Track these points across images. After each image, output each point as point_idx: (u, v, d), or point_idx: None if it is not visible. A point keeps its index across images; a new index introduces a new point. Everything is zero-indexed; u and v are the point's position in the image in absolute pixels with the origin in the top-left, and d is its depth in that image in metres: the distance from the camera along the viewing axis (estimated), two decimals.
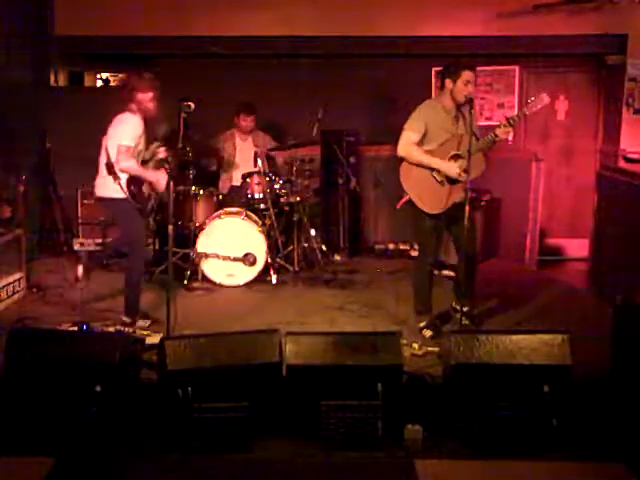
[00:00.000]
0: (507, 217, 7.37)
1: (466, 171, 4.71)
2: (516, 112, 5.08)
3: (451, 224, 5.04)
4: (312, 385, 3.93)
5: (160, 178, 5.12)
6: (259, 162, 6.50)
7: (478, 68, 5.02)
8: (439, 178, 4.93)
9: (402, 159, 5.00)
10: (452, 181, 4.91)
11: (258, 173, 6.53)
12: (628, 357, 4.09)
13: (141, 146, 5.13)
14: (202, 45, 7.41)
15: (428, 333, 5.05)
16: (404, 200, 5.03)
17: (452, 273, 5.79)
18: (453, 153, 4.89)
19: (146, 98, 5.06)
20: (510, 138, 4.94)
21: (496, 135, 4.80)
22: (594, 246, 6.72)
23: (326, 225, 7.30)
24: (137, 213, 5.16)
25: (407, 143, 4.94)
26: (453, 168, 4.86)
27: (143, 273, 5.43)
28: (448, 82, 4.91)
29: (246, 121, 6.88)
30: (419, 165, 4.94)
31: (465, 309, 5.01)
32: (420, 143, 4.94)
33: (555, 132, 8.00)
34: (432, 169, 4.92)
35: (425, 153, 4.92)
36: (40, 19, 7.36)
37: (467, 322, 5.02)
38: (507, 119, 4.80)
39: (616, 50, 7.43)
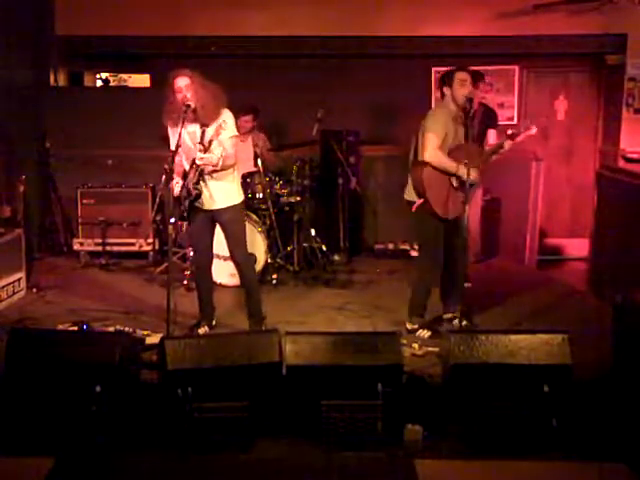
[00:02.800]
0: (507, 217, 7.38)
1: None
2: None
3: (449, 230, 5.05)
4: (312, 385, 3.93)
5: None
6: (259, 162, 6.50)
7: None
8: (455, 184, 4.92)
9: (424, 163, 4.85)
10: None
11: (258, 173, 6.53)
12: (628, 357, 4.09)
13: None
14: (202, 45, 7.41)
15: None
16: (419, 203, 4.96)
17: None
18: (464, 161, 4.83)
19: None
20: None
21: (502, 147, 5.00)
22: (594, 246, 6.70)
23: (326, 225, 7.29)
24: None
25: (433, 148, 4.82)
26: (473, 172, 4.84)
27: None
28: (446, 90, 4.92)
29: (244, 121, 6.86)
30: (442, 170, 4.89)
31: (449, 316, 5.14)
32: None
33: (555, 132, 8.00)
34: (453, 174, 4.90)
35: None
36: (40, 19, 7.37)
37: (466, 322, 5.03)
38: (511, 134, 4.95)
39: (616, 50, 7.43)
